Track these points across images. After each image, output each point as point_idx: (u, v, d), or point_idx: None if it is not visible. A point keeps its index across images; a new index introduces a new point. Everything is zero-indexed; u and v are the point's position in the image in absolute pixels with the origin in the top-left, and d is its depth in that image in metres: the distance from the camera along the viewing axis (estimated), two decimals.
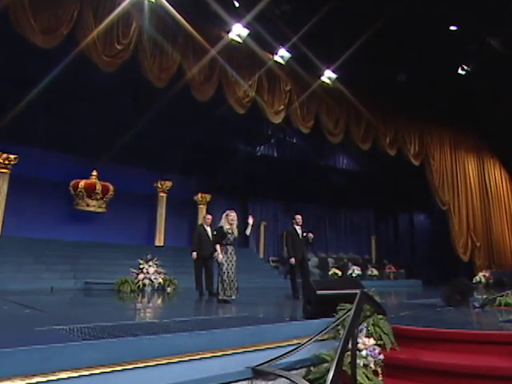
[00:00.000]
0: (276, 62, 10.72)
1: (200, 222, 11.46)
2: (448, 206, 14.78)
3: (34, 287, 8.53)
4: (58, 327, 3.21)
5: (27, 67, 8.75)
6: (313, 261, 15.41)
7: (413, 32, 9.83)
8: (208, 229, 7.95)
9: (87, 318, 4.20)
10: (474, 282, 12.67)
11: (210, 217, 8.19)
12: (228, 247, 6.30)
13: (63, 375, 2.34)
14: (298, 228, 7.53)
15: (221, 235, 6.30)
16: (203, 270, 7.79)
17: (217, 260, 6.33)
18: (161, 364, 2.70)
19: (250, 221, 6.57)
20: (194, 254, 7.74)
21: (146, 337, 2.84)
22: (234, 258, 6.32)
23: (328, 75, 11.46)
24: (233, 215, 6.36)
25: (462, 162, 15.59)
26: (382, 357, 3.47)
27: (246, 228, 6.53)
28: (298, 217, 7.58)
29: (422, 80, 12.03)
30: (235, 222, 6.40)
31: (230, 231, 6.30)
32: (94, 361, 2.49)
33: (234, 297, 6.24)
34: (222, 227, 6.30)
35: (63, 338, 2.85)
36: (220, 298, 6.20)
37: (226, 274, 6.20)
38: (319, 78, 11.44)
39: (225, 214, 6.40)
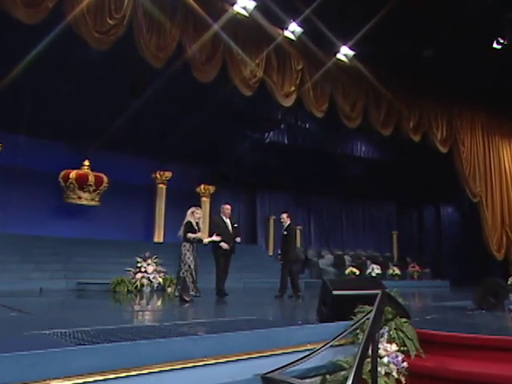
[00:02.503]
0: (286, 37, 10.60)
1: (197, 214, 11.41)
2: (480, 198, 14.63)
3: (22, 288, 8.63)
4: (48, 331, 3.23)
5: (9, 45, 8.74)
6: (328, 258, 15.45)
7: (440, 0, 9.66)
8: (227, 221, 7.76)
9: (80, 321, 4.24)
10: (509, 282, 12.57)
11: (229, 207, 7.93)
12: (194, 245, 6.73)
13: None
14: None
15: (189, 229, 6.72)
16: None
17: (180, 256, 6.68)
18: (161, 371, 2.71)
19: (216, 238, 7.22)
20: (225, 244, 7.44)
21: (145, 341, 2.85)
22: (195, 256, 6.73)
23: (344, 52, 11.32)
24: (199, 212, 6.93)
25: (496, 148, 15.39)
26: (405, 364, 3.47)
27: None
28: (283, 216, 8.44)
29: (451, 56, 11.83)
30: (201, 220, 6.97)
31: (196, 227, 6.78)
32: (88, 368, 2.50)
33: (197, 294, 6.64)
34: (190, 222, 6.75)
35: (54, 343, 2.87)
36: (185, 297, 6.50)
37: (192, 271, 6.59)
38: (335, 55, 11.31)
39: (190, 211, 6.88)
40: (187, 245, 6.68)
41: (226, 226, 7.69)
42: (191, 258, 6.62)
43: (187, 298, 6.51)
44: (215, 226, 7.69)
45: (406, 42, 11.05)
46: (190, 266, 6.60)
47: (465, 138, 14.40)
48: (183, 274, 6.62)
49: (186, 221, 6.79)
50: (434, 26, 10.54)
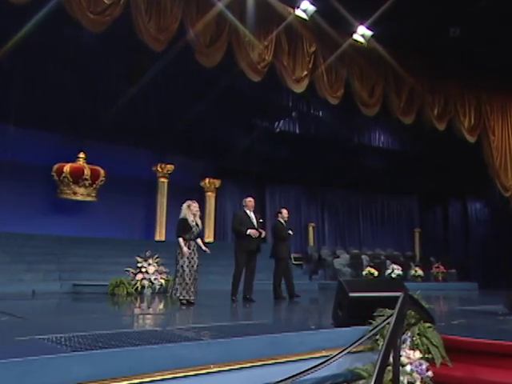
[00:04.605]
0: (298, 17, 10.54)
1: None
2: None
3: (13, 290, 8.71)
4: (41, 337, 3.26)
5: None
6: (343, 258, 15.41)
7: None
8: (252, 215, 7.63)
9: (76, 326, 4.27)
10: None
11: (252, 199, 7.79)
12: (191, 242, 6.67)
13: None
14: (283, 222, 8.44)
15: (184, 228, 6.64)
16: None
17: (176, 257, 6.65)
18: (164, 379, 2.72)
19: (207, 250, 6.95)
20: (252, 230, 7.36)
21: (146, 347, 2.86)
22: (197, 255, 6.70)
23: (362, 32, 11.25)
24: (195, 205, 6.79)
25: None
26: (430, 374, 3.44)
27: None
28: (285, 211, 8.57)
29: (479, 36, 11.68)
30: (198, 213, 6.85)
31: (194, 223, 6.68)
32: (85, 376, 2.51)
33: (195, 298, 6.64)
34: (185, 219, 6.64)
35: (48, 349, 2.89)
36: (181, 298, 6.57)
37: (187, 272, 6.55)
38: (351, 35, 11.24)
39: (186, 205, 6.78)
40: (182, 242, 6.65)
41: (251, 221, 7.57)
42: (184, 259, 6.56)
43: (182, 301, 6.55)
44: (239, 222, 7.57)
45: (430, 20, 10.92)
46: (182, 267, 6.56)
47: (495, 126, 14.23)
48: (175, 275, 6.68)
49: (180, 217, 6.71)
50: (462, 2, 10.40)
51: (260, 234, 7.52)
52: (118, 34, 9.00)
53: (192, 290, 6.57)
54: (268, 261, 8.66)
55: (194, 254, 6.67)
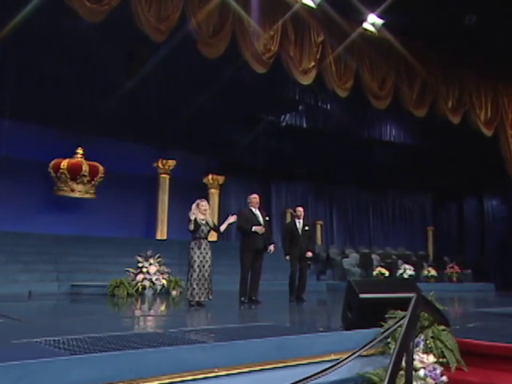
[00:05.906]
0: (304, 5, 10.54)
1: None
2: None
3: (8, 292, 8.75)
4: (39, 339, 3.27)
5: None
6: (352, 258, 15.39)
7: None
8: (257, 212, 7.65)
9: (75, 328, 4.28)
10: None
11: (256, 196, 7.82)
12: (202, 241, 6.85)
13: None
14: (297, 222, 8.40)
15: (194, 227, 6.81)
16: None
17: (188, 258, 6.82)
18: (166, 383, 2.73)
19: (231, 219, 7.25)
20: (258, 227, 7.43)
21: (147, 350, 2.87)
22: (209, 254, 6.84)
23: (372, 21, 11.25)
24: (204, 204, 6.97)
25: None
26: (444, 379, 3.43)
27: (221, 223, 7.34)
28: (299, 209, 8.56)
29: (496, 23, 11.61)
30: (208, 212, 7.03)
31: (203, 222, 6.84)
32: (84, 379, 2.52)
33: (206, 299, 6.73)
34: (195, 218, 6.82)
35: (46, 352, 2.90)
36: (191, 299, 6.67)
37: (197, 272, 6.70)
38: (361, 24, 11.23)
39: (195, 204, 6.96)
40: (192, 243, 6.82)
41: (257, 219, 7.58)
42: (194, 258, 6.71)
43: (191, 302, 6.66)
44: (244, 220, 7.59)
45: (444, 8, 10.86)
46: (193, 267, 6.69)
47: None
48: (188, 275, 6.78)
49: (191, 217, 6.83)
50: None
51: (266, 230, 7.58)
52: (116, 24, 9.01)
53: (205, 289, 6.67)
54: (274, 261, 8.66)
55: (206, 253, 6.80)
